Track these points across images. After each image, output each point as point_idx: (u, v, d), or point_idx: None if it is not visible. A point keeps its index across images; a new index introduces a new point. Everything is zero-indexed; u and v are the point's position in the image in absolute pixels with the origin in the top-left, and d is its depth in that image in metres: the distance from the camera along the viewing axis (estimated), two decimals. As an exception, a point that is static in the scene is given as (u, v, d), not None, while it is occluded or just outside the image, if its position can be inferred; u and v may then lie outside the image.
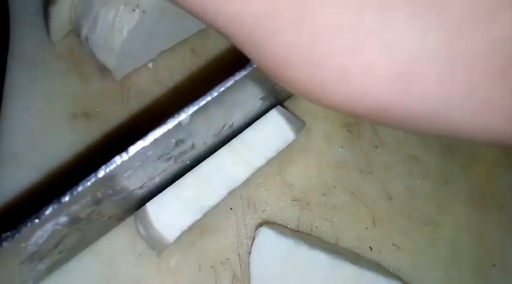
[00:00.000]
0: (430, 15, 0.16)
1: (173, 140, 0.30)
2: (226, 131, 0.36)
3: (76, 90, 0.40)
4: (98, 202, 0.30)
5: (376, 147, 0.42)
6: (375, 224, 0.39)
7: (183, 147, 0.32)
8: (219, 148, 0.37)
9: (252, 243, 0.36)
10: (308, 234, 0.39)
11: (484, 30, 0.16)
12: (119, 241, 0.37)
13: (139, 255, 0.37)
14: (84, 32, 0.37)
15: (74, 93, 0.40)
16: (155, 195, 0.35)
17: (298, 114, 0.42)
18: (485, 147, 0.43)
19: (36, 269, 0.32)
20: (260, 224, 0.37)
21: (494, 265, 0.39)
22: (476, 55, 0.17)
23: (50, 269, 0.35)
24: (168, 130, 0.28)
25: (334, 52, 0.17)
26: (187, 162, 0.36)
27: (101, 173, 0.27)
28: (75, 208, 0.28)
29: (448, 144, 0.42)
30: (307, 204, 0.39)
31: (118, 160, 0.27)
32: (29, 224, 0.26)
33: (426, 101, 0.17)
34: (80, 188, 0.27)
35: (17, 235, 0.26)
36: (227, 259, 0.38)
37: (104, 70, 0.40)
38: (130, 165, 0.28)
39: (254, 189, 0.39)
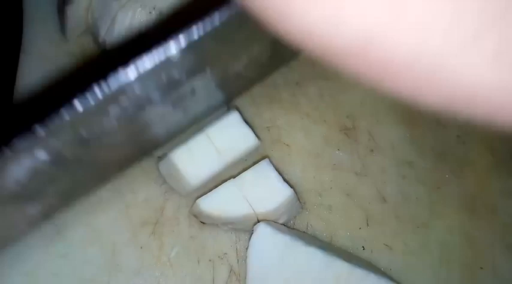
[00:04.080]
0: None
1: (163, 76, 0.27)
2: (233, 79, 0.34)
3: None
4: (84, 142, 0.27)
5: (372, 151, 0.43)
6: (368, 225, 0.41)
7: (180, 91, 0.30)
8: (227, 102, 0.36)
9: (250, 239, 0.38)
10: (304, 232, 0.40)
11: None
12: (121, 232, 0.39)
13: (141, 247, 0.39)
14: (102, 34, 0.38)
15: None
16: (161, 145, 0.36)
17: (299, 117, 0.43)
18: (478, 154, 0.44)
19: (27, 213, 0.31)
20: (257, 221, 0.39)
21: (482, 268, 0.41)
22: None
23: (46, 216, 0.34)
24: (155, 63, 0.24)
25: None
26: (191, 111, 0.34)
27: (78, 106, 0.24)
28: (54, 144, 0.26)
29: (441, 150, 0.44)
30: (304, 203, 0.41)
31: (96, 90, 0.24)
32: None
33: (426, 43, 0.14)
34: (54, 120, 0.24)
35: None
36: (225, 253, 0.39)
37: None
38: (112, 99, 0.25)
39: (253, 187, 0.41)
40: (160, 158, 0.40)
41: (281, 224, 0.40)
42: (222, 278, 0.39)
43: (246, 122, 0.40)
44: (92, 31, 0.40)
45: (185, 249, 0.39)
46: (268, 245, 0.37)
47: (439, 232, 0.42)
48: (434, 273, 0.40)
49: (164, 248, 0.39)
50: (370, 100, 0.45)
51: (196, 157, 0.38)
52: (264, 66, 0.36)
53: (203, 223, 0.40)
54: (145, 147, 0.35)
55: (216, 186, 0.39)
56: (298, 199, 0.40)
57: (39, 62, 0.42)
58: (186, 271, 0.39)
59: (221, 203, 0.38)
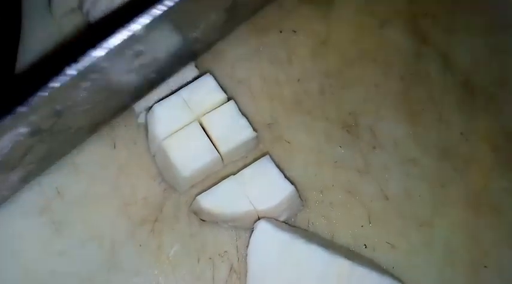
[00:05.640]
0: None
1: (131, 52, 0.31)
2: (192, 44, 0.37)
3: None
4: (58, 113, 0.31)
5: (374, 148, 0.43)
6: (370, 222, 0.40)
7: (143, 59, 0.33)
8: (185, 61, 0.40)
9: (250, 236, 0.37)
10: (305, 230, 0.40)
11: None
12: (119, 230, 0.39)
13: (140, 245, 0.38)
14: (86, 6, 0.39)
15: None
16: (127, 107, 0.39)
17: (300, 114, 0.43)
18: (481, 151, 0.43)
19: (8, 180, 0.34)
20: (258, 218, 0.38)
21: (486, 267, 0.40)
22: None
23: (25, 180, 0.37)
24: (123, 40, 0.29)
25: None
26: (153, 75, 0.37)
27: (53, 84, 0.28)
28: (34, 118, 0.29)
29: (444, 147, 0.43)
30: (305, 200, 0.40)
31: (68, 71, 0.28)
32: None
33: None
34: (34, 99, 0.28)
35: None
36: (225, 251, 0.39)
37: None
38: (83, 75, 0.29)
39: (254, 185, 0.40)
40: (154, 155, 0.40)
41: (282, 221, 0.39)
42: (222, 277, 0.38)
43: (243, 114, 0.40)
44: (79, 5, 0.42)
45: (185, 247, 0.39)
46: (269, 243, 0.37)
47: (443, 230, 0.41)
48: (437, 272, 0.40)
49: (163, 247, 0.38)
50: (373, 97, 0.44)
51: (188, 147, 0.38)
52: (219, 29, 0.40)
53: (203, 220, 0.39)
54: (116, 108, 0.39)
55: (216, 183, 0.39)
56: (300, 197, 0.40)
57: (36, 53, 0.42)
58: (186, 269, 0.38)
59: (221, 200, 0.37)
